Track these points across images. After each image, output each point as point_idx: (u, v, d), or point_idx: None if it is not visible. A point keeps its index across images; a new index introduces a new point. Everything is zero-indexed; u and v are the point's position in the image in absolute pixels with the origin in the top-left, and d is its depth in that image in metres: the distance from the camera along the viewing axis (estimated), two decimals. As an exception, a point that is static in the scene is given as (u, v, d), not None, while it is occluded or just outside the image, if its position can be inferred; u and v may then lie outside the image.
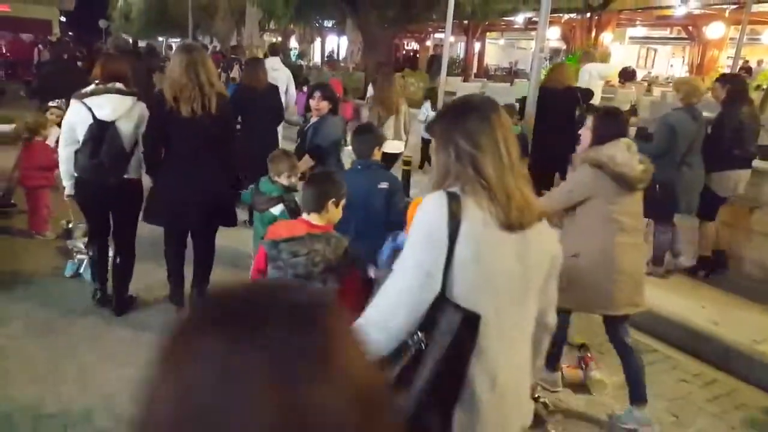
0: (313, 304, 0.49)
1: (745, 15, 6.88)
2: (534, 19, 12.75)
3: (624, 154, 2.51)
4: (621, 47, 17.96)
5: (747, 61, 13.98)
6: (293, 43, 22.88)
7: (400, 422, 0.52)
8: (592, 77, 6.72)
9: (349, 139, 3.49)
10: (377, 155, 2.98)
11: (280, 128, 5.36)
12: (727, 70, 8.84)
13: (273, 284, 0.55)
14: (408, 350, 1.27)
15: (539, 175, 3.26)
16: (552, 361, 2.97)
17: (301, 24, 16.68)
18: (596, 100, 6.61)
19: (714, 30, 13.47)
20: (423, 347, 1.26)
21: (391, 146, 5.24)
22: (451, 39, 8.61)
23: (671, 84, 7.92)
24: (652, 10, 14.18)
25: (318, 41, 23.35)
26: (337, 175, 2.48)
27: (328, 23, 17.67)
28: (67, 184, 3.29)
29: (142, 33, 24.84)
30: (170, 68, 3.02)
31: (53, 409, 2.61)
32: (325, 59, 14.08)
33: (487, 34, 21.44)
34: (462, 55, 20.65)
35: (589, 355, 3.17)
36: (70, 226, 4.46)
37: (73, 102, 3.15)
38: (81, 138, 3.12)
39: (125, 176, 3.23)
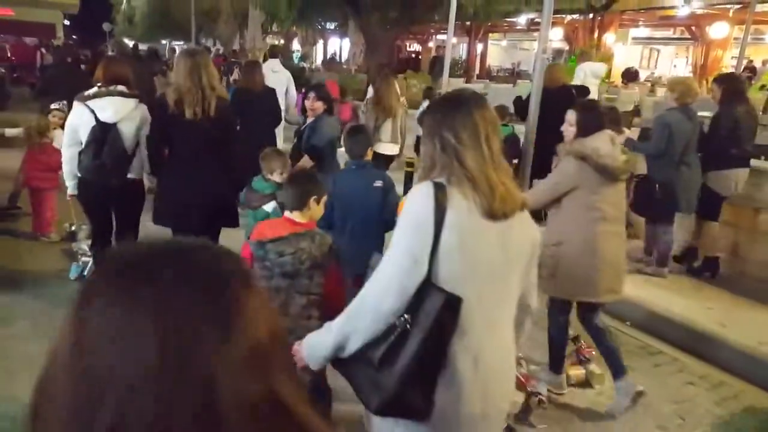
0: (212, 265, 0.51)
1: (749, 15, 6.86)
2: (536, 20, 12.75)
3: (607, 145, 2.60)
4: (624, 48, 17.92)
5: (751, 61, 13.92)
6: (296, 45, 22.94)
7: (300, 389, 0.55)
8: (587, 76, 6.77)
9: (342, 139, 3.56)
10: (368, 155, 3.05)
11: (281, 129, 5.42)
12: (732, 70, 8.82)
13: (173, 243, 0.56)
14: (394, 330, 1.35)
15: (536, 172, 3.33)
16: (556, 365, 2.97)
17: (303, 26, 16.73)
18: (591, 97, 6.68)
19: (718, 30, 13.40)
20: (408, 327, 1.34)
21: (387, 148, 5.35)
22: (454, 40, 8.61)
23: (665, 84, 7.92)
24: (655, 10, 14.14)
25: (320, 43, 23.40)
26: (317, 173, 2.56)
27: (331, 25, 17.71)
28: (70, 184, 3.35)
29: (146, 36, 24.94)
30: (175, 72, 3.07)
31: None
32: (323, 61, 14.11)
33: (490, 35, 21.43)
34: (464, 57, 20.64)
35: (583, 346, 3.16)
36: (73, 228, 4.46)
37: (75, 104, 3.20)
38: (84, 139, 3.17)
39: (127, 177, 3.27)
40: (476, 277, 1.37)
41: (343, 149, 3.19)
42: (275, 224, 2.31)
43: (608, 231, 2.67)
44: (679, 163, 4.12)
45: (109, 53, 6.92)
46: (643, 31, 18.92)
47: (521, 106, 5.46)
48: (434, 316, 1.32)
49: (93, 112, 3.11)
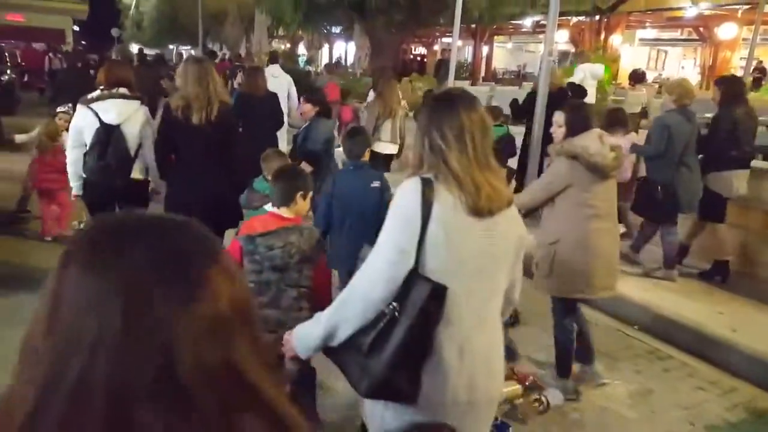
0: (181, 240, 0.55)
1: (758, 15, 6.80)
2: (542, 22, 12.69)
3: (596, 144, 2.66)
4: (631, 49, 17.82)
5: (761, 62, 13.80)
6: (301, 49, 23.02)
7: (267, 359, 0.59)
8: (586, 77, 6.77)
9: (340, 140, 3.63)
10: (366, 156, 3.11)
11: (283, 133, 5.52)
12: (741, 72, 8.74)
13: (147, 218, 0.59)
14: (383, 318, 1.41)
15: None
16: (564, 368, 2.93)
17: (309, 30, 16.78)
18: (590, 99, 6.70)
19: (726, 31, 13.31)
20: (397, 315, 1.40)
21: (387, 148, 5.48)
22: (459, 43, 8.60)
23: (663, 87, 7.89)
24: (662, 11, 14.06)
25: (326, 47, 23.47)
26: (302, 169, 2.61)
27: (336, 29, 17.75)
28: (75, 185, 3.40)
29: (154, 41, 25.14)
30: (182, 79, 3.12)
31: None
32: (325, 65, 14.18)
33: (495, 37, 21.42)
34: (470, 59, 20.63)
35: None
36: (82, 226, 4.49)
37: (79, 107, 3.26)
38: (88, 141, 3.23)
39: (131, 177, 3.33)
40: (464, 270, 1.43)
41: (340, 149, 3.28)
42: (264, 220, 2.36)
43: (601, 228, 2.74)
44: (678, 165, 4.15)
45: (113, 58, 7.03)
46: (650, 33, 18.82)
47: (517, 109, 5.48)
48: (420, 305, 1.38)
49: (96, 114, 3.17)
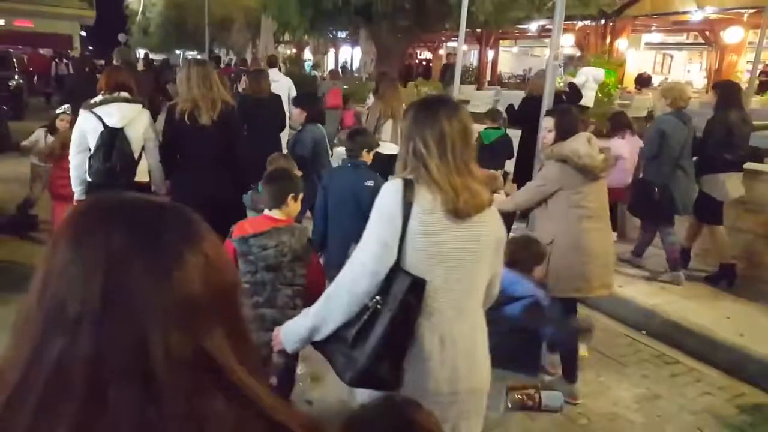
0: (164, 222, 0.57)
1: (764, 19, 6.78)
2: (548, 26, 12.71)
3: (585, 146, 2.74)
4: (637, 53, 17.79)
5: (767, 66, 13.73)
6: (307, 54, 23.12)
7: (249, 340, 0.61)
8: (589, 80, 6.77)
9: (338, 141, 3.69)
10: (366, 157, 3.14)
11: (286, 135, 5.57)
12: (747, 75, 8.70)
13: (135, 199, 0.61)
14: (367, 310, 1.48)
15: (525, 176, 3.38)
16: (570, 372, 2.92)
17: (315, 35, 16.84)
18: (589, 102, 6.69)
19: (732, 34, 13.24)
20: (379, 308, 1.47)
21: (388, 148, 5.56)
22: (465, 47, 8.61)
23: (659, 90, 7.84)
24: (668, 15, 14.02)
25: (332, 52, 23.56)
26: (293, 171, 2.67)
27: (342, 34, 17.83)
28: (78, 189, 3.41)
29: (161, 47, 25.29)
30: (186, 81, 3.14)
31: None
32: (330, 71, 14.25)
33: (501, 42, 21.43)
34: (475, 64, 20.64)
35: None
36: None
37: (82, 112, 3.27)
38: (92, 145, 3.25)
39: (134, 180, 3.34)
40: (443, 265, 1.49)
41: (340, 149, 3.30)
42: (256, 221, 2.41)
43: (594, 228, 2.82)
44: (675, 167, 4.18)
45: (114, 61, 7.13)
46: (656, 37, 18.77)
47: (512, 114, 5.52)
48: (401, 297, 1.45)
49: (100, 118, 3.19)
